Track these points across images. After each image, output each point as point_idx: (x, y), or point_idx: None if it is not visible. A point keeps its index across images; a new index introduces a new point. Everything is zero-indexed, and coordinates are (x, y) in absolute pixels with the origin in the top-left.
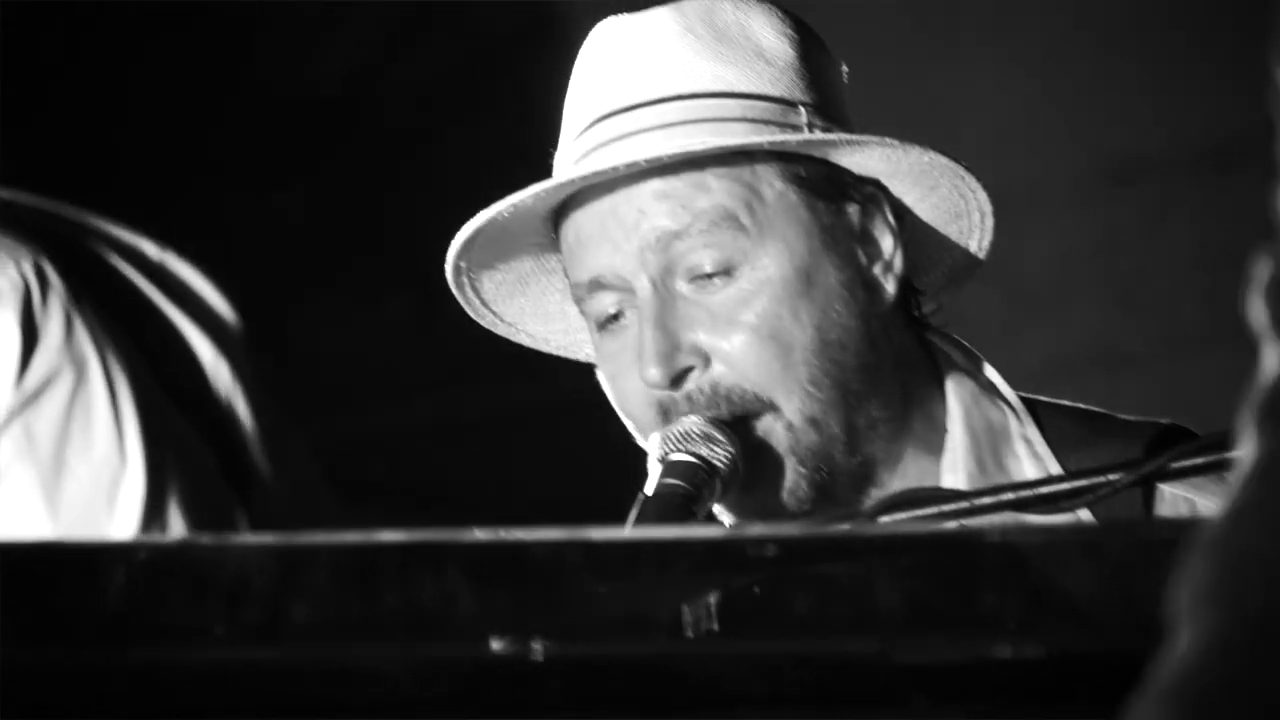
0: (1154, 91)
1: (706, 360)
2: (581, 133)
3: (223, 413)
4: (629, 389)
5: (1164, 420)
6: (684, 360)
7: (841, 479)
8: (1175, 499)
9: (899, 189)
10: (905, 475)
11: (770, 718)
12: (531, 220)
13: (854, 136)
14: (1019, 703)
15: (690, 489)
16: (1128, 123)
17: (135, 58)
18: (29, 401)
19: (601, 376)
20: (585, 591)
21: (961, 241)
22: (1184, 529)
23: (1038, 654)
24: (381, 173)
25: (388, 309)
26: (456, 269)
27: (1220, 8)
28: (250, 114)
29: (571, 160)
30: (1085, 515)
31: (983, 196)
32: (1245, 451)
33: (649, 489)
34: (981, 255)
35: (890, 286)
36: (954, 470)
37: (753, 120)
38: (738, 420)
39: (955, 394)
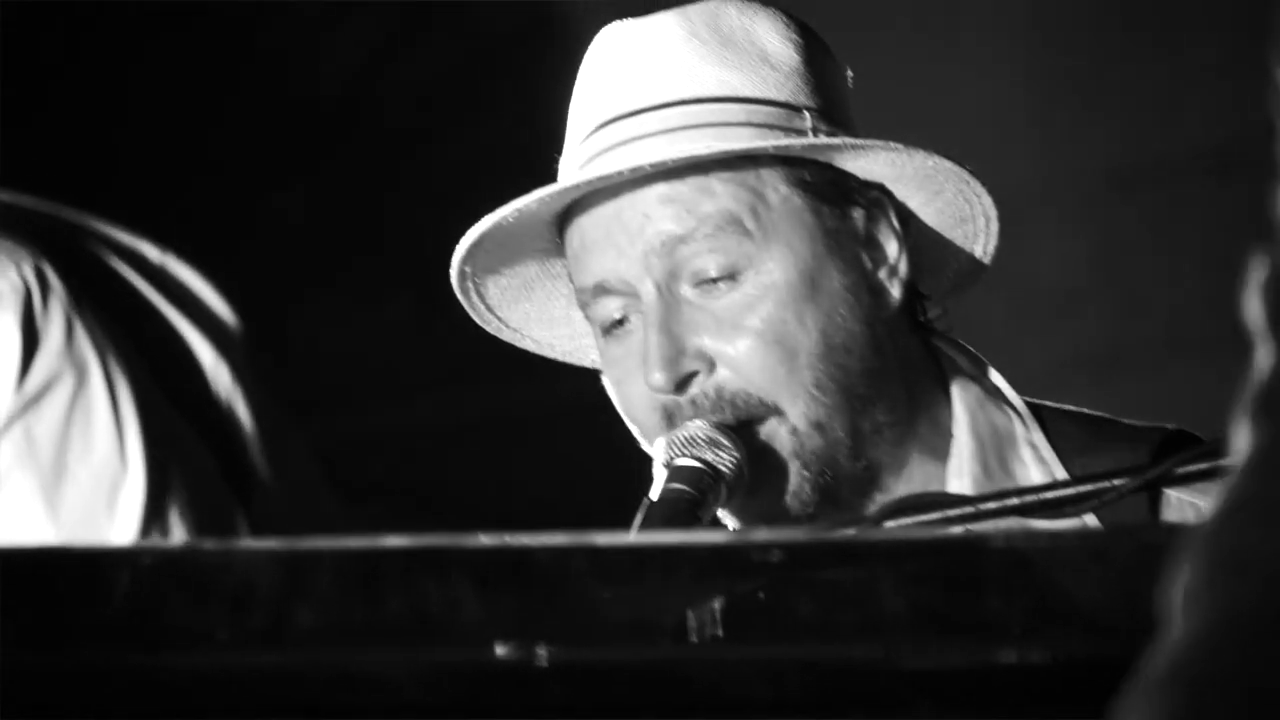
0: (1157, 96)
1: (711, 365)
2: (586, 137)
3: (223, 415)
4: (634, 394)
5: (1169, 425)
6: (689, 365)
7: (846, 484)
8: (1181, 504)
9: (904, 193)
10: (910, 480)
11: None
12: (536, 225)
13: (859, 141)
14: (1024, 708)
15: (695, 494)
16: (1131, 127)
17: (135, 58)
18: (29, 405)
19: (607, 382)
20: (590, 597)
21: (966, 246)
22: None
23: (1043, 659)
24: (381, 173)
25: (388, 309)
26: (461, 274)
27: (1220, 8)
28: (250, 114)
29: (576, 165)
30: (1091, 520)
31: (988, 201)
32: (1239, 447)
33: (654, 494)
34: (986, 260)
35: (895, 291)
36: (959, 475)
37: (757, 125)
38: (742, 425)
39: (960, 399)
